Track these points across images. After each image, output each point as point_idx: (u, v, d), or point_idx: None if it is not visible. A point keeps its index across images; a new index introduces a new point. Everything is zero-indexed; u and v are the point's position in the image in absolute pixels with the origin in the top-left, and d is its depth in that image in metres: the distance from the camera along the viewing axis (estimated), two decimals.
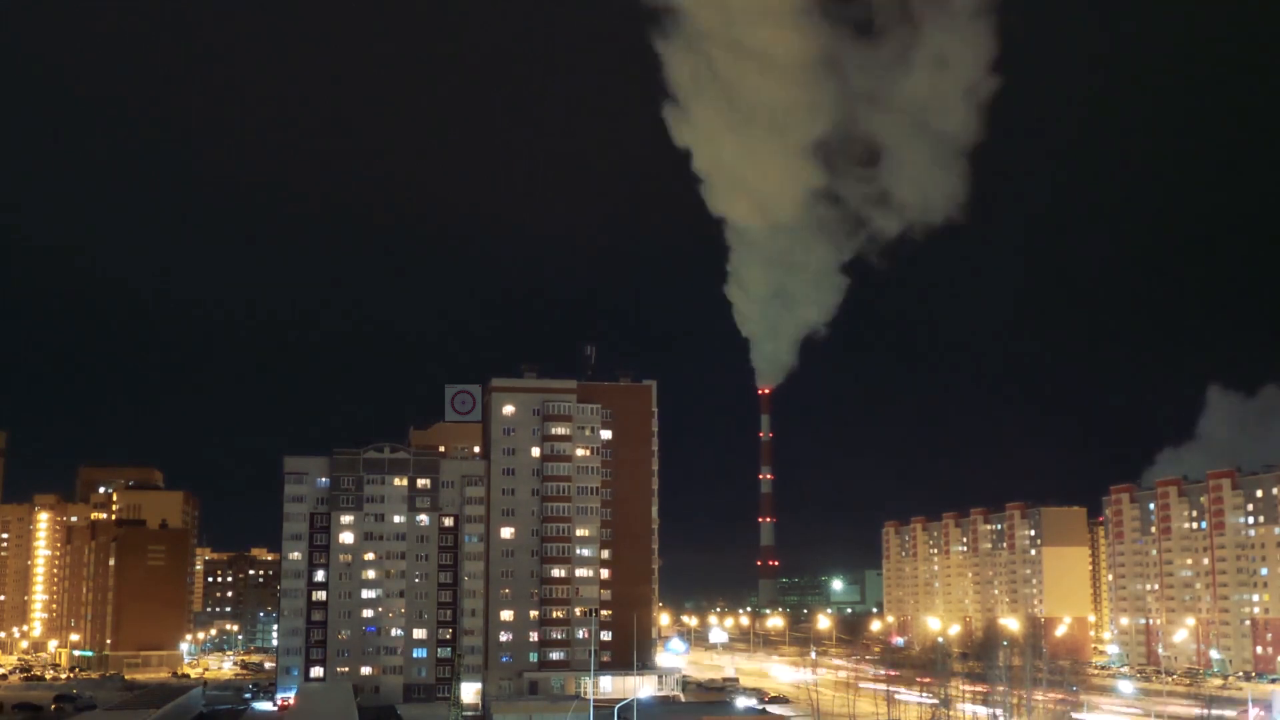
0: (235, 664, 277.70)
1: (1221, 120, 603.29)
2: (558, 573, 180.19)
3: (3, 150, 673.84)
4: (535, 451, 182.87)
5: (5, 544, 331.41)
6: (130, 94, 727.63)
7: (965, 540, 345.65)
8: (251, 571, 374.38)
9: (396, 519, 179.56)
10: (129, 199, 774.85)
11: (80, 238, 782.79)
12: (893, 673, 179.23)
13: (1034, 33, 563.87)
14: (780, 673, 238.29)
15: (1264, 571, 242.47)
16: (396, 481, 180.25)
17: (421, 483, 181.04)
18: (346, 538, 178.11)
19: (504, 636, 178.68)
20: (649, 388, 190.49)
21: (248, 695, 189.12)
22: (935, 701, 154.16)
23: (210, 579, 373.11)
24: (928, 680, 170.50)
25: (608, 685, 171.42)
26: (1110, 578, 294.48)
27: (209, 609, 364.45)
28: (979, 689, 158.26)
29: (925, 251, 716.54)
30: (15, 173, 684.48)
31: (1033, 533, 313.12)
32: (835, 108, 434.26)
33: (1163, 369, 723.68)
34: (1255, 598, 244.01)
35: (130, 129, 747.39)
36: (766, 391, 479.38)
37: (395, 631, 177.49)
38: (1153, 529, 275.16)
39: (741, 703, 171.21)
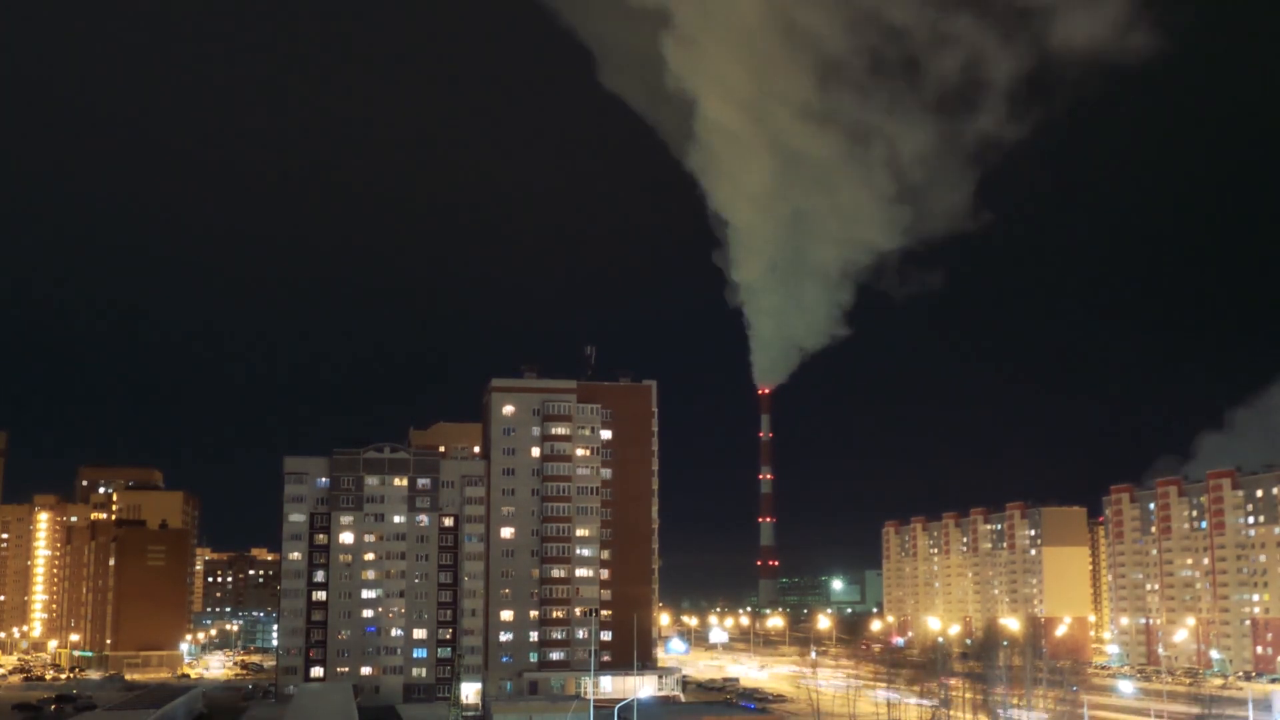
0: (235, 664, 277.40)
1: (1222, 126, 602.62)
2: (558, 573, 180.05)
3: (7, 153, 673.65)
4: (535, 451, 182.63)
5: (5, 544, 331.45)
6: (134, 101, 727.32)
7: (965, 540, 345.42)
8: (251, 571, 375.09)
9: (396, 519, 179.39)
10: (132, 200, 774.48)
11: (81, 238, 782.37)
12: (893, 673, 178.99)
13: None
14: (780, 672, 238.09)
15: (1264, 572, 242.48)
16: (396, 481, 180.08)
17: (421, 483, 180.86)
18: (346, 538, 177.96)
19: (504, 636, 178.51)
20: (649, 388, 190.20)
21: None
22: (935, 702, 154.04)
23: (210, 579, 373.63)
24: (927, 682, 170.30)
25: (608, 685, 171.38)
26: (1110, 578, 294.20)
27: (209, 609, 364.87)
28: (979, 689, 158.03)
29: (925, 251, 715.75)
30: (18, 174, 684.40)
31: (1033, 533, 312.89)
32: None
33: (1162, 369, 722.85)
34: (1255, 598, 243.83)
35: (130, 135, 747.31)
36: (766, 391, 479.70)
37: (395, 631, 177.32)
38: (1153, 529, 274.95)
39: (742, 702, 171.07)
